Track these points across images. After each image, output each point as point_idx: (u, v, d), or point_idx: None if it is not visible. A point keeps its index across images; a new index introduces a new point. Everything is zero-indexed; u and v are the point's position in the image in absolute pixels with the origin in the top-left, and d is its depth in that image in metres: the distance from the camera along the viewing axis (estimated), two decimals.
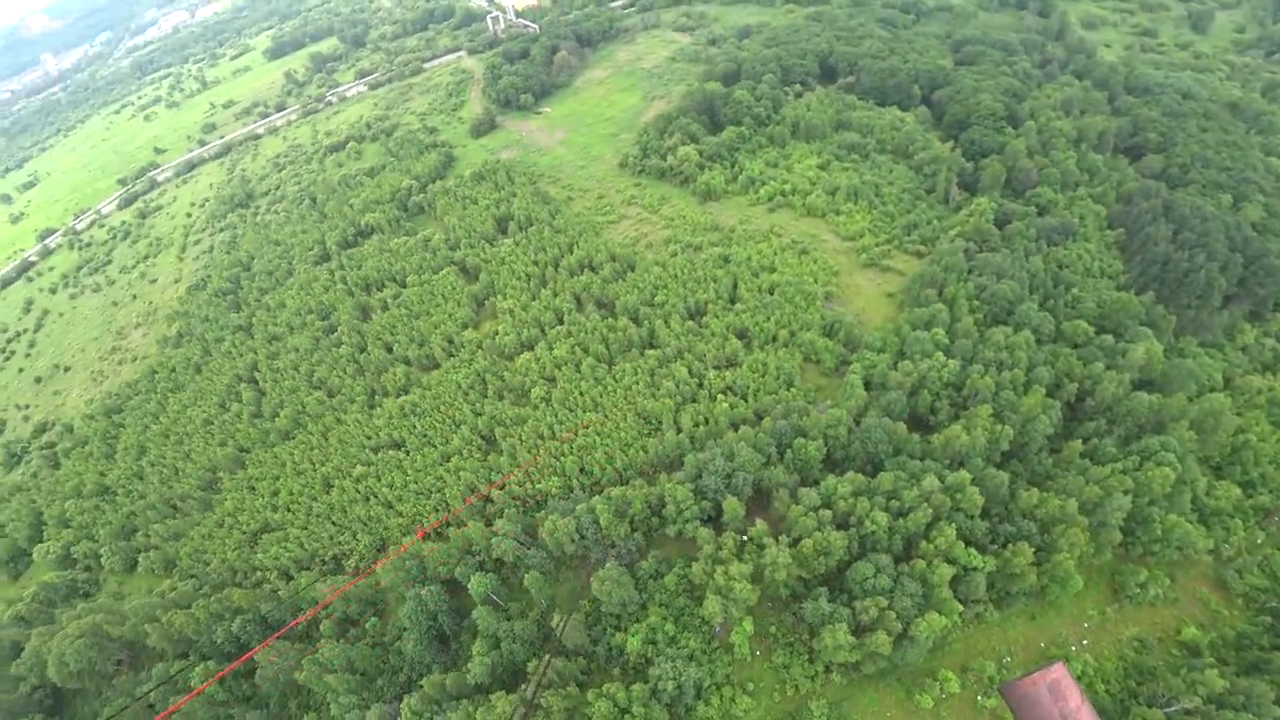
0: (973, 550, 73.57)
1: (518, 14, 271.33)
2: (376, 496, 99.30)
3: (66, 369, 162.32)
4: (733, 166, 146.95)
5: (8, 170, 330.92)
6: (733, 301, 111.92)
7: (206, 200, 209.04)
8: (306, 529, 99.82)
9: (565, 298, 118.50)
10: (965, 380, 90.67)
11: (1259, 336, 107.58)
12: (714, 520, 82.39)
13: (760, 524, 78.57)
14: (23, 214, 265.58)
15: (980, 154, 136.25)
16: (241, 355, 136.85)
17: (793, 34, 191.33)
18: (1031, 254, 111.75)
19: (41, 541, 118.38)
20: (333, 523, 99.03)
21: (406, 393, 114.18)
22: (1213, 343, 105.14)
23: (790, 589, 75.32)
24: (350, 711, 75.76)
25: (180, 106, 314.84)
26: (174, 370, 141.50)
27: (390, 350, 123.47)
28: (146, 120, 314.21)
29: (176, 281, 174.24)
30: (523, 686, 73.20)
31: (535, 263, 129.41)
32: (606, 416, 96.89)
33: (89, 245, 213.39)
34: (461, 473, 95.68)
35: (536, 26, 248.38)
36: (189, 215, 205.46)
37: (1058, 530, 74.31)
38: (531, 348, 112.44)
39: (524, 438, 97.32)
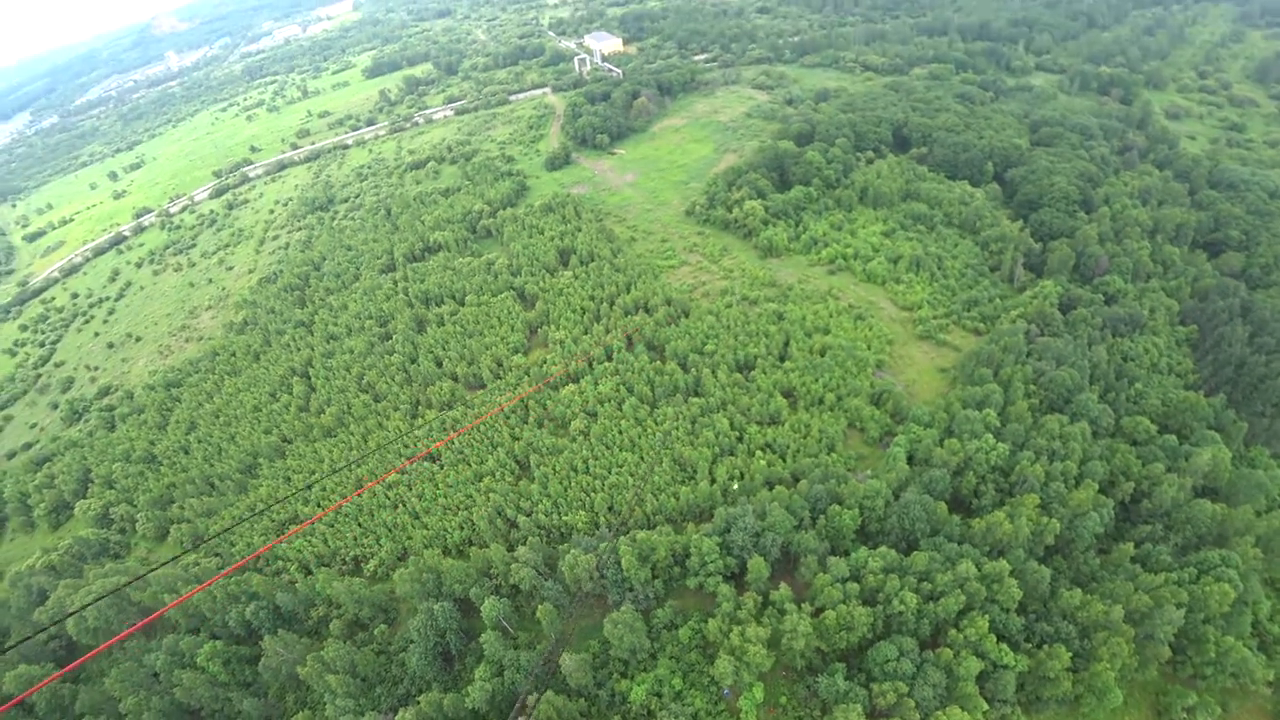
0: (1005, 646, 69.32)
1: (604, 58, 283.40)
2: (405, 505, 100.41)
3: (138, 339, 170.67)
4: (797, 225, 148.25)
5: (118, 151, 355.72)
6: (782, 359, 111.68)
7: (290, 199, 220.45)
8: (333, 526, 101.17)
9: (617, 335, 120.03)
10: (1014, 466, 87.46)
11: None
12: (737, 578, 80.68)
13: (784, 588, 76.37)
14: (125, 191, 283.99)
15: (1049, 236, 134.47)
16: (299, 350, 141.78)
17: (869, 101, 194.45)
18: (1095, 343, 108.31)
19: (85, 498, 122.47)
20: (359, 524, 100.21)
21: (450, 408, 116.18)
22: None
23: (807, 660, 72.51)
24: (345, 715, 75.24)
25: (280, 111, 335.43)
26: (234, 355, 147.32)
27: (440, 365, 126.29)
28: (248, 120, 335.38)
29: (251, 272, 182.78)
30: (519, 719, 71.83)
31: (592, 298, 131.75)
32: (642, 458, 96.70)
33: (178, 228, 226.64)
34: (491, 494, 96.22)
35: (620, 72, 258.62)
36: (272, 212, 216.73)
37: (1099, 637, 69.65)
38: (577, 380, 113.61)
39: (558, 468, 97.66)
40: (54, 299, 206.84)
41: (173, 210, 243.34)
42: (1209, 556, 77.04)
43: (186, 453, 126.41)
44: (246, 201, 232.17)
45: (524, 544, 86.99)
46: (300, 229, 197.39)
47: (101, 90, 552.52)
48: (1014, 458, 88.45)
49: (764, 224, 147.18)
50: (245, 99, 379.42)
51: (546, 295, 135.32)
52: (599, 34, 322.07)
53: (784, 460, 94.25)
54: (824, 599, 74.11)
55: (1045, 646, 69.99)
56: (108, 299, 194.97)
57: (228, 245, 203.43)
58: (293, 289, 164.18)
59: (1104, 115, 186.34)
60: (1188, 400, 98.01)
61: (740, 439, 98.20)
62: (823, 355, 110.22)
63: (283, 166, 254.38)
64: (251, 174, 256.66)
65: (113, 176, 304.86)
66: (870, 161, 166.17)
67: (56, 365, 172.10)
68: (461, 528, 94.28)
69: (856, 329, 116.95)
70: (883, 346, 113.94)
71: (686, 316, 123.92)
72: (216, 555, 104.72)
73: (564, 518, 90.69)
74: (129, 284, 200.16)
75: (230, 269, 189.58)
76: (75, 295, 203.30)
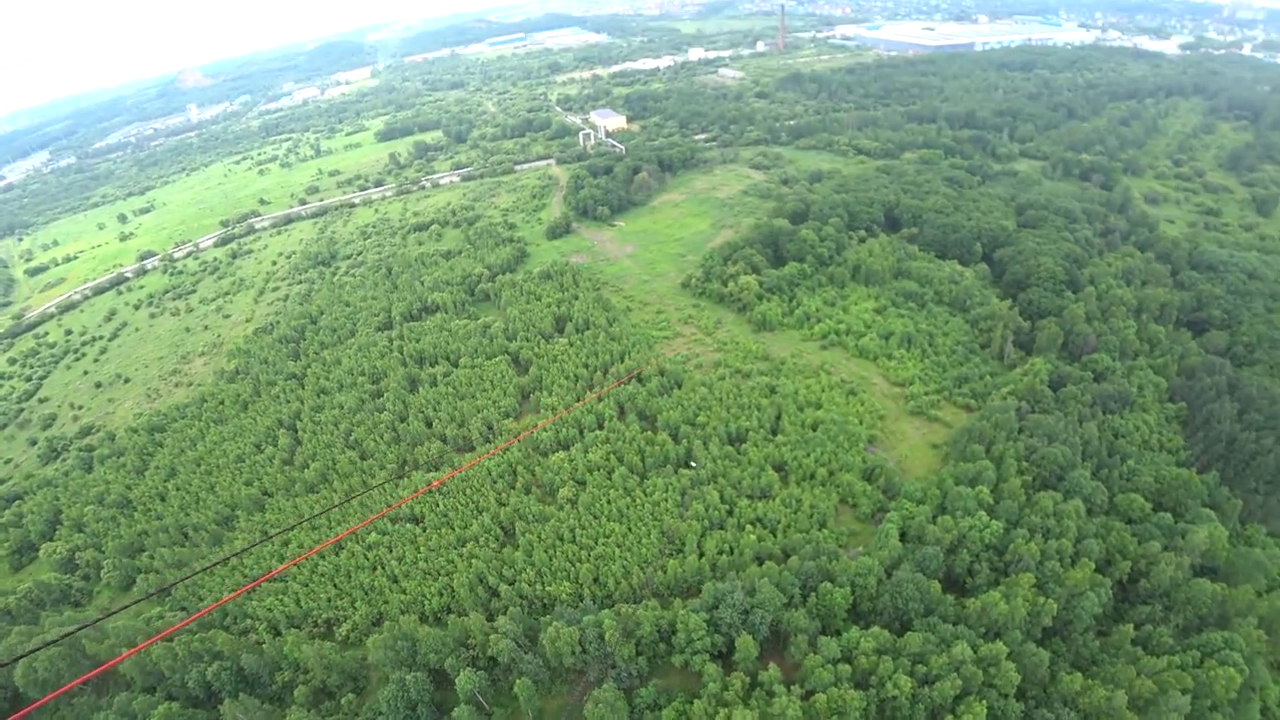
0: None
1: (608, 134, 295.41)
2: (384, 568, 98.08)
3: (126, 380, 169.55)
4: (790, 300, 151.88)
5: (130, 194, 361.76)
6: (774, 433, 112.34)
7: (294, 253, 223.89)
8: (307, 586, 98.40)
9: (609, 404, 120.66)
10: (1008, 544, 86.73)
11: None
12: (724, 657, 78.67)
13: (773, 668, 74.34)
14: (132, 234, 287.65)
15: (1038, 314, 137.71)
16: (289, 402, 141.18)
17: (862, 183, 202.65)
18: (1086, 420, 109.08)
19: (52, 540, 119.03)
20: (335, 585, 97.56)
21: (437, 469, 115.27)
22: None
23: None
24: None
25: (292, 167, 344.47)
26: (223, 403, 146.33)
27: (429, 425, 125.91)
28: (260, 174, 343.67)
29: (248, 321, 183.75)
30: None
31: (586, 365, 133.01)
32: (630, 529, 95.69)
33: (180, 273, 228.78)
34: (474, 560, 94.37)
35: (623, 148, 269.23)
36: (274, 263, 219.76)
37: None
38: (567, 447, 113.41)
39: (544, 536, 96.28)
40: (47, 334, 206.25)
41: (177, 255, 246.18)
42: (1212, 639, 75.45)
43: (163, 500, 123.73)
44: (251, 252, 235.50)
45: (504, 614, 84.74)
46: (301, 282, 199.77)
47: (121, 135, 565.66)
48: (1008, 536, 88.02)
49: (758, 298, 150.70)
50: (259, 153, 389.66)
51: (540, 361, 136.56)
52: (604, 111, 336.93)
53: (775, 535, 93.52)
54: (814, 681, 72.10)
55: None
56: (101, 338, 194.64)
57: (228, 293, 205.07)
58: (288, 341, 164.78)
59: (1086, 200, 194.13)
60: (1181, 477, 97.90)
61: (730, 513, 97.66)
62: (815, 429, 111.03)
63: (289, 220, 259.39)
64: (258, 225, 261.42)
65: (121, 219, 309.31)
66: (862, 240, 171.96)
67: (40, 401, 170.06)
68: (441, 594, 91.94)
69: (849, 404, 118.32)
70: (875, 422, 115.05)
71: (679, 387, 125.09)
72: (183, 609, 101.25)
73: (547, 588, 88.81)
74: (124, 324, 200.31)
75: (228, 317, 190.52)
76: (69, 332, 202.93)
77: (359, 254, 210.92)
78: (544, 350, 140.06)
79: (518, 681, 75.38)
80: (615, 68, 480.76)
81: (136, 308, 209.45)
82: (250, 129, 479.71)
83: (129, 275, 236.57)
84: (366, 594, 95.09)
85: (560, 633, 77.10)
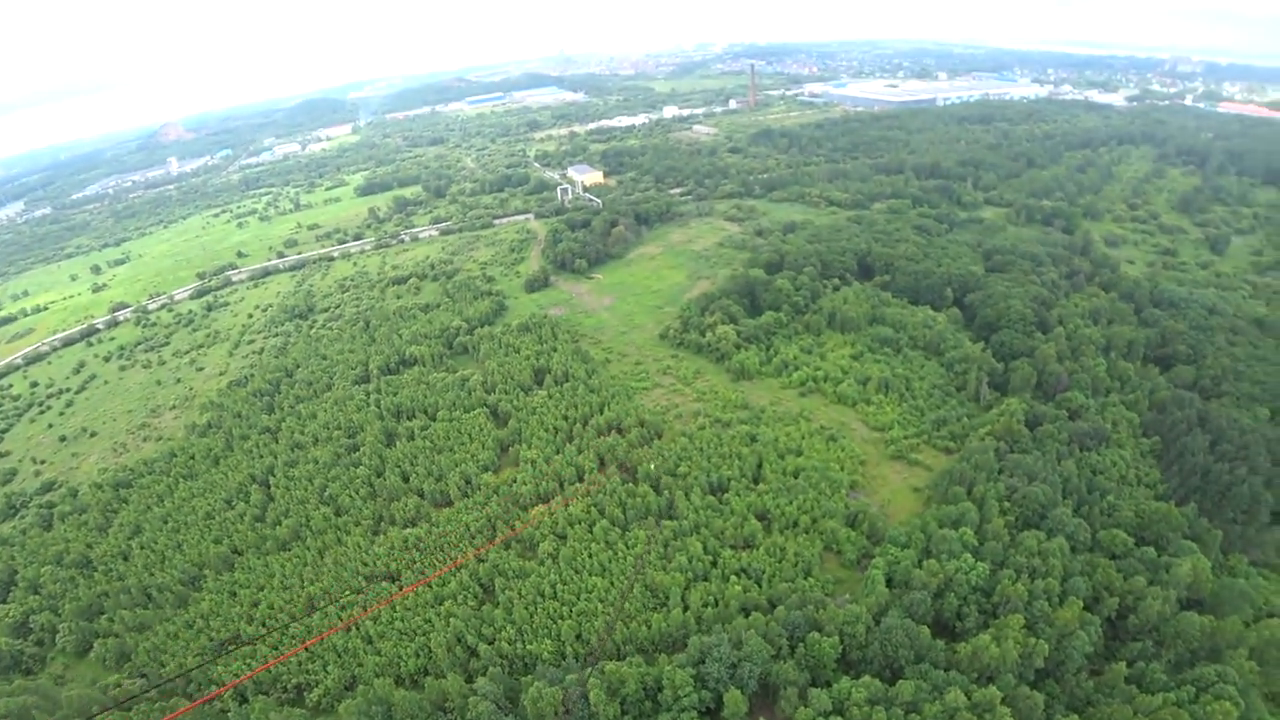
0: None
1: (585, 189, 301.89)
2: (358, 628, 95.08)
3: (93, 434, 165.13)
4: (768, 349, 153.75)
5: (105, 246, 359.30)
6: (756, 481, 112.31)
7: (270, 305, 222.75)
8: (277, 649, 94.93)
9: (589, 456, 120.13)
10: (995, 586, 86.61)
11: None
12: (712, 713, 76.73)
13: None
14: (105, 285, 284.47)
15: (1010, 356, 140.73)
16: (261, 456, 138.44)
17: (834, 233, 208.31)
18: (1064, 457, 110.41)
19: (5, 603, 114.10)
20: (306, 648, 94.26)
21: (414, 525, 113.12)
22: (1265, 562, 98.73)
23: None
24: None
25: (271, 221, 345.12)
26: (193, 458, 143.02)
27: (407, 480, 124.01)
28: (239, 227, 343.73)
29: (222, 374, 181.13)
30: None
31: (565, 417, 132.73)
32: (613, 584, 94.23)
33: (153, 325, 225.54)
34: (452, 619, 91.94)
35: (600, 202, 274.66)
36: (250, 316, 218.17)
37: None
38: (547, 501, 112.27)
39: (524, 592, 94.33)
40: (11, 386, 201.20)
41: (151, 307, 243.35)
42: (1205, 673, 75.23)
43: (126, 559, 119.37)
44: (227, 304, 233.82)
45: (484, 675, 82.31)
46: (277, 335, 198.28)
47: (99, 187, 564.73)
48: (994, 577, 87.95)
49: (736, 348, 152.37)
50: (238, 207, 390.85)
51: (519, 414, 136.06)
52: (581, 166, 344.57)
53: (760, 585, 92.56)
54: None
55: None
56: (68, 390, 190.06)
57: (202, 346, 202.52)
58: (262, 394, 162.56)
59: (1050, 244, 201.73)
60: (1161, 511, 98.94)
61: (714, 564, 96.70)
62: (796, 477, 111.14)
63: (267, 273, 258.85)
64: (235, 278, 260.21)
65: (95, 270, 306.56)
66: (837, 288, 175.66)
67: (1, 455, 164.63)
68: (417, 655, 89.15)
69: (829, 450, 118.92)
70: (856, 467, 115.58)
71: (659, 438, 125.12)
72: (143, 676, 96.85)
73: (528, 646, 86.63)
74: (93, 377, 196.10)
75: (201, 369, 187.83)
76: (35, 384, 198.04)
77: (337, 307, 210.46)
78: (523, 403, 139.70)
79: None
80: (592, 125, 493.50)
81: (106, 360, 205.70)
82: (230, 182, 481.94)
83: (100, 327, 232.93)
84: (339, 656, 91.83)
85: (542, 693, 74.95)
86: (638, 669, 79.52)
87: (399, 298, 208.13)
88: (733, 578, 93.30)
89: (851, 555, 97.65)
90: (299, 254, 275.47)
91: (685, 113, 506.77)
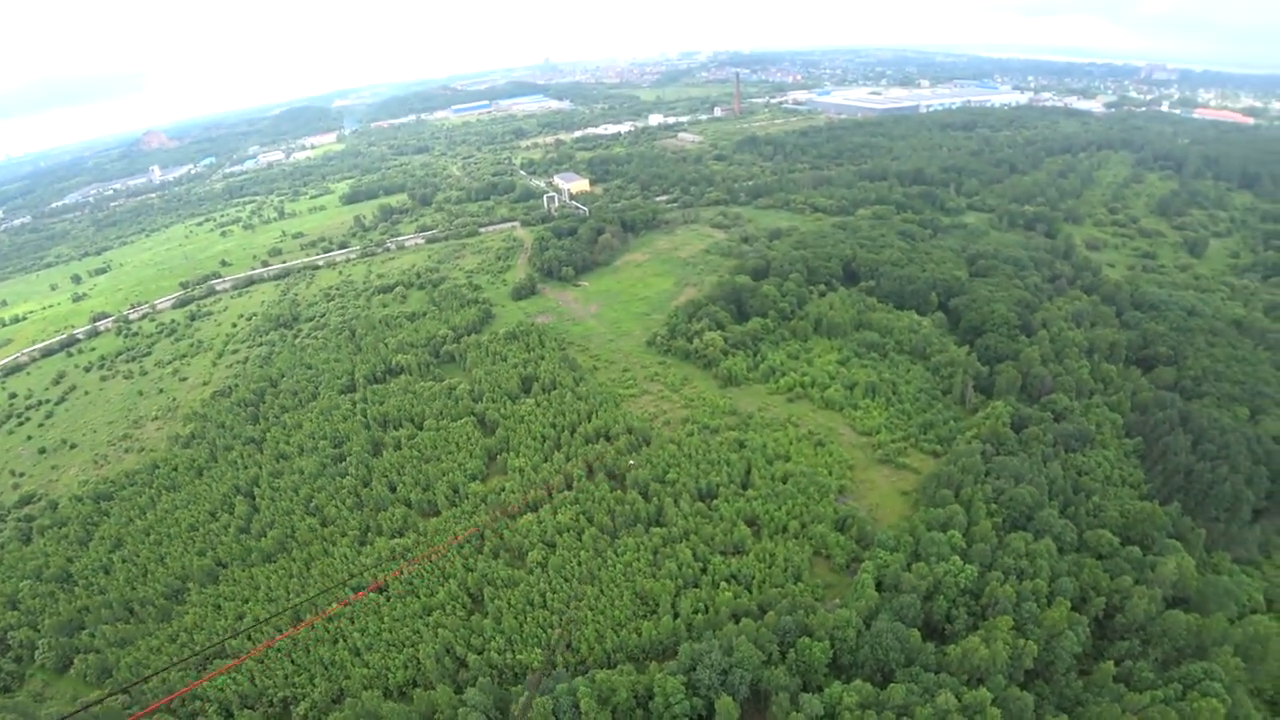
0: None
1: (571, 197, 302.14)
2: (345, 640, 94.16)
3: (73, 446, 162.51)
4: (755, 355, 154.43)
5: (86, 255, 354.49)
6: (745, 487, 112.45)
7: (254, 315, 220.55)
8: (262, 663, 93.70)
9: (577, 464, 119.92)
10: (984, 588, 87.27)
11: None
12: None
13: None
14: (85, 294, 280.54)
15: (995, 359, 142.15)
16: (246, 467, 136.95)
17: (819, 239, 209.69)
18: (1049, 459, 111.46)
19: None
20: (292, 660, 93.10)
21: (401, 535, 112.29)
22: (1248, 559, 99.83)
23: None
24: None
25: (255, 229, 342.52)
26: (176, 469, 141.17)
27: (394, 490, 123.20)
28: (223, 236, 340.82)
29: (205, 384, 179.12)
30: None
31: (553, 425, 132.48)
32: (602, 591, 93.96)
33: (135, 334, 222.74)
34: (440, 629, 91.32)
35: (586, 209, 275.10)
36: (234, 325, 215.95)
37: None
38: (536, 509, 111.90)
39: (513, 602, 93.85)
40: None
41: (132, 317, 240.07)
42: (1192, 670, 75.98)
43: (107, 572, 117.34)
44: (210, 314, 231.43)
45: (473, 685, 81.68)
46: (261, 344, 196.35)
47: (80, 195, 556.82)
48: (983, 579, 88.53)
49: (723, 354, 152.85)
50: (222, 215, 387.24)
51: (507, 422, 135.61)
52: (567, 174, 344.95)
53: (750, 591, 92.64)
54: None
55: None
56: (47, 402, 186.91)
57: (185, 356, 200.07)
58: (246, 404, 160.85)
59: (1032, 248, 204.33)
60: (1145, 510, 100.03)
61: (704, 570, 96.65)
62: (785, 482, 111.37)
63: (251, 282, 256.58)
64: (219, 287, 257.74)
65: (76, 279, 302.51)
66: (823, 294, 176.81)
67: None
68: (406, 666, 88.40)
69: (817, 455, 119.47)
70: (844, 472, 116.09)
71: (648, 445, 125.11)
72: (125, 693, 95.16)
73: (518, 656, 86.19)
74: (73, 388, 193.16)
75: (184, 380, 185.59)
76: (13, 396, 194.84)
77: (322, 316, 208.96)
78: (510, 411, 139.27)
79: None
80: (578, 133, 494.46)
81: (87, 370, 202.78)
82: (214, 191, 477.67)
83: (80, 337, 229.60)
84: (326, 669, 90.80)
85: (533, 703, 74.56)
86: (628, 677, 79.27)
87: (385, 306, 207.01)
88: (723, 584, 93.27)
89: (841, 559, 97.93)
90: (283, 263, 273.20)
91: (671, 120, 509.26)
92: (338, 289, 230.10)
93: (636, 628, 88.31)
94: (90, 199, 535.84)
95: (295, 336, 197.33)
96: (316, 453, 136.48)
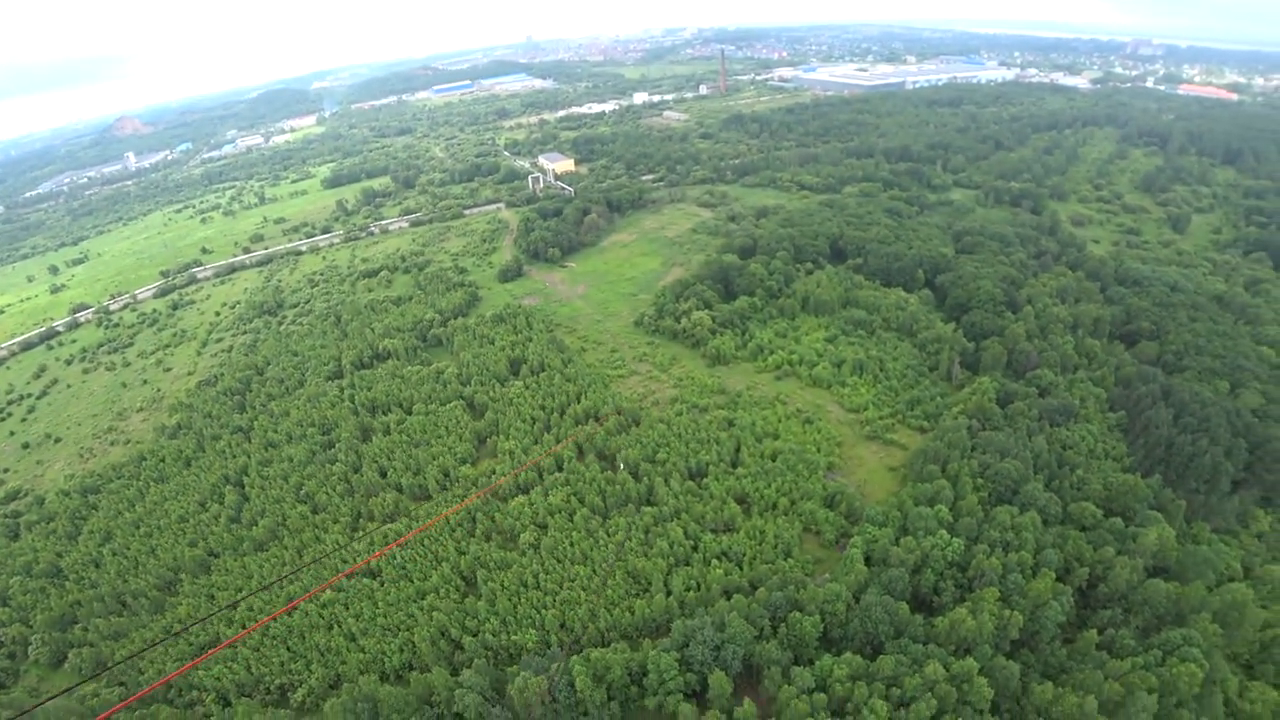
0: None
1: (556, 177, 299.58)
2: (340, 626, 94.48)
3: (57, 440, 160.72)
4: (743, 334, 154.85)
5: (62, 245, 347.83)
6: (734, 465, 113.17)
7: (238, 303, 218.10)
8: (258, 651, 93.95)
9: (567, 445, 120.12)
10: (970, 561, 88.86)
11: (1275, 524, 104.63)
12: (698, 695, 77.59)
13: (748, 704, 73.71)
14: (64, 286, 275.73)
15: (981, 335, 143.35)
16: (235, 457, 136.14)
17: (806, 217, 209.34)
18: (1034, 434, 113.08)
19: None
20: (288, 647, 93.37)
21: (393, 520, 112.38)
22: (1226, 529, 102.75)
23: None
24: None
25: (236, 216, 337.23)
26: (163, 460, 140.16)
27: (384, 475, 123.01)
28: (203, 223, 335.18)
29: (190, 374, 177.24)
30: None
31: (542, 407, 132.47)
32: (595, 571, 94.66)
33: (116, 325, 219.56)
34: (435, 613, 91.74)
35: (572, 190, 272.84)
36: (218, 314, 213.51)
37: None
38: (527, 492, 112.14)
39: (507, 584, 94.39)
40: None
41: (113, 308, 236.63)
42: (1171, 637, 78.05)
43: (98, 566, 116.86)
44: (192, 302, 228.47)
45: (469, 667, 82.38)
46: (246, 332, 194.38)
47: (53, 184, 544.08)
48: (969, 552, 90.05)
49: (711, 333, 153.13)
50: (201, 202, 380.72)
51: (496, 405, 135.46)
52: (552, 154, 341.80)
53: (741, 568, 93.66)
54: (791, 713, 71.56)
55: None
56: (29, 396, 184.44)
57: (168, 346, 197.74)
58: (233, 393, 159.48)
59: (1018, 225, 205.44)
60: (1127, 483, 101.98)
61: (695, 548, 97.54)
62: (774, 460, 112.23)
63: (233, 270, 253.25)
64: (200, 275, 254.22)
65: (53, 270, 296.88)
66: (810, 272, 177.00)
67: None
68: (401, 650, 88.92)
69: (806, 432, 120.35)
70: (832, 448, 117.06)
71: (637, 425, 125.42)
72: (121, 685, 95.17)
73: (513, 636, 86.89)
74: (55, 381, 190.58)
75: (168, 370, 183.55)
76: None
77: (306, 302, 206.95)
78: (499, 394, 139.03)
79: None
80: (562, 112, 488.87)
81: (68, 363, 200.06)
82: (192, 177, 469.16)
83: (60, 329, 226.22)
84: (322, 655, 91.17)
85: (528, 683, 75.28)
86: (622, 655, 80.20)
87: (370, 291, 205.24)
88: (714, 561, 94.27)
89: (830, 535, 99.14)
90: (266, 249, 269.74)
91: (656, 99, 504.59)
92: (322, 274, 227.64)
93: (630, 606, 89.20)
94: (65, 188, 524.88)
95: (280, 323, 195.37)
96: (305, 440, 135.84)
